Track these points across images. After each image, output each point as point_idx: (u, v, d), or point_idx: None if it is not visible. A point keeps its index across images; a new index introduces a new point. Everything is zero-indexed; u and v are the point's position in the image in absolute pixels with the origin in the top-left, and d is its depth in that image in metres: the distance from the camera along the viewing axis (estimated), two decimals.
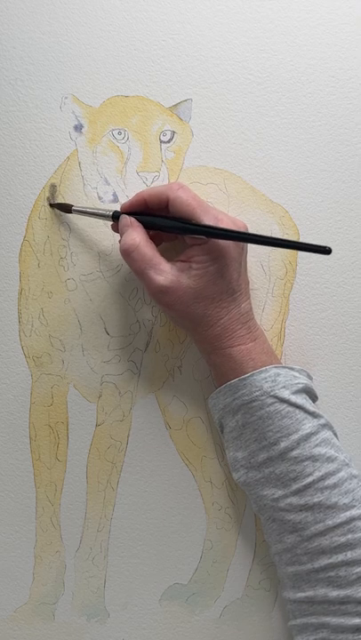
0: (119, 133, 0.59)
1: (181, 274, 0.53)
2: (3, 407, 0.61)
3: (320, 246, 0.49)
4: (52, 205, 0.59)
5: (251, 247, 0.60)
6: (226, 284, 0.54)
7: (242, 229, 0.55)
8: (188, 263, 0.54)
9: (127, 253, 0.54)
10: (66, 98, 0.59)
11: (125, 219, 0.55)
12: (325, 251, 0.49)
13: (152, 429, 0.62)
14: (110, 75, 0.59)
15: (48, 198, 0.60)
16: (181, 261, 0.54)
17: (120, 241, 0.55)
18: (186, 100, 0.60)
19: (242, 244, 0.55)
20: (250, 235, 0.53)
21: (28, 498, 0.62)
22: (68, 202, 0.59)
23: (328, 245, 0.49)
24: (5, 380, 0.61)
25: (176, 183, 0.55)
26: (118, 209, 0.57)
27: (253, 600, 0.63)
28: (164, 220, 0.54)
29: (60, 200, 0.60)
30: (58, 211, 0.60)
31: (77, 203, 0.59)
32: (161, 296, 0.54)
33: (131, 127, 0.59)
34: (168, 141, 0.60)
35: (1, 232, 0.60)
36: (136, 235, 0.54)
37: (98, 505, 0.62)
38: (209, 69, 0.60)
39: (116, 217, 0.56)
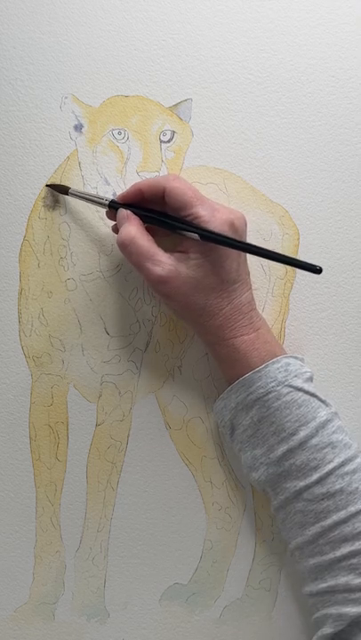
0: (119, 133, 0.59)
1: (180, 264, 0.53)
2: (3, 407, 0.61)
3: (311, 265, 0.49)
4: (49, 186, 0.59)
5: None
6: (225, 273, 0.54)
7: (241, 219, 0.55)
8: (187, 253, 0.54)
9: (124, 246, 0.54)
10: (66, 98, 0.59)
11: (122, 212, 0.55)
12: (316, 270, 0.49)
13: (152, 429, 0.62)
14: (110, 75, 0.59)
15: (49, 186, 0.60)
16: (180, 252, 0.54)
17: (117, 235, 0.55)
18: (186, 100, 0.60)
19: (241, 231, 0.54)
20: (243, 243, 0.53)
21: (28, 498, 0.62)
22: (67, 202, 0.59)
23: (320, 263, 0.50)
24: (5, 380, 0.61)
25: (172, 174, 0.55)
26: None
27: (253, 600, 0.63)
28: (158, 216, 0.55)
29: (59, 202, 0.60)
30: (56, 210, 0.60)
31: (77, 202, 0.59)
32: (160, 287, 0.54)
33: (131, 127, 0.59)
34: (168, 141, 0.60)
35: (1, 232, 0.60)
36: (132, 227, 0.54)
37: (98, 505, 0.62)
38: (209, 69, 0.60)
39: (111, 206, 0.56)
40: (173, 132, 0.60)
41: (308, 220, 0.61)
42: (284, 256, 0.52)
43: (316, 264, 0.60)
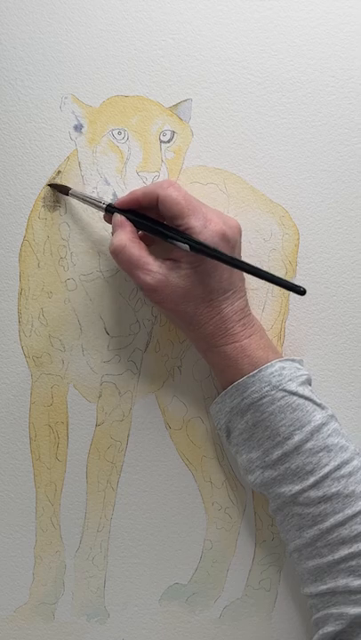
0: (119, 133, 0.59)
1: (170, 272, 0.54)
2: (3, 407, 0.61)
3: (296, 286, 0.50)
4: (50, 185, 0.59)
5: (249, 247, 0.60)
6: (216, 283, 0.54)
7: (234, 229, 0.55)
8: (178, 262, 0.54)
9: (115, 254, 0.54)
10: (66, 98, 0.59)
11: (116, 218, 0.55)
12: (300, 291, 0.49)
13: (152, 429, 0.62)
14: (110, 75, 0.59)
15: (51, 182, 0.60)
16: (171, 260, 0.54)
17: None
18: (186, 100, 0.60)
19: (233, 242, 0.54)
20: (231, 258, 0.52)
21: (28, 498, 0.62)
22: (68, 202, 0.59)
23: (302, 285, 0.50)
24: (5, 380, 0.61)
25: (167, 181, 0.55)
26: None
27: (253, 600, 0.63)
28: (151, 224, 0.55)
29: (59, 202, 0.60)
30: (56, 210, 0.60)
31: (78, 202, 0.59)
32: (151, 294, 0.54)
33: (131, 127, 0.59)
34: (168, 141, 0.60)
35: (1, 232, 0.60)
36: (123, 235, 0.54)
37: (98, 505, 0.62)
38: (209, 69, 0.60)
39: (108, 210, 0.56)
40: (173, 132, 0.60)
41: (308, 220, 0.61)
42: (269, 274, 0.51)
43: (317, 262, 0.61)
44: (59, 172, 0.59)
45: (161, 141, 0.60)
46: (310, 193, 0.61)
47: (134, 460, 0.62)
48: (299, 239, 0.61)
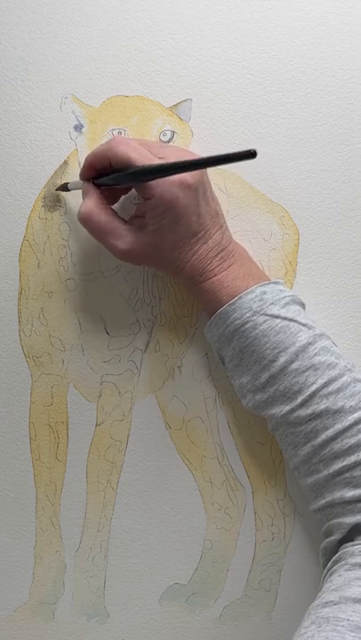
0: (119, 133, 0.59)
1: (139, 233, 0.54)
2: (3, 407, 0.61)
3: (245, 151, 0.45)
4: (57, 190, 0.60)
5: (249, 247, 0.60)
6: (184, 229, 0.54)
7: (196, 174, 0.53)
8: (144, 220, 0.54)
9: (83, 222, 0.55)
10: (66, 98, 0.59)
11: (84, 187, 0.56)
12: (251, 154, 0.44)
13: (152, 429, 0.62)
14: (110, 75, 0.59)
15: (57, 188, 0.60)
16: (137, 218, 0.55)
17: None
18: (186, 100, 0.60)
19: (194, 187, 0.53)
20: (181, 164, 0.50)
21: (28, 498, 0.62)
22: (68, 202, 0.60)
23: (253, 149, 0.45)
24: (5, 380, 0.61)
25: (114, 139, 0.54)
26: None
27: (253, 600, 0.63)
28: (108, 179, 0.54)
29: (60, 202, 0.60)
30: (56, 210, 0.60)
31: (78, 202, 0.59)
32: (126, 258, 0.55)
33: (131, 127, 0.59)
34: (168, 141, 0.60)
35: (1, 232, 0.60)
36: (90, 202, 0.54)
37: (98, 505, 0.62)
38: (209, 69, 0.60)
39: (65, 189, 0.59)
40: (173, 132, 0.60)
41: (308, 220, 0.61)
42: (218, 157, 0.48)
43: (317, 262, 0.61)
44: (65, 162, 0.59)
45: (161, 141, 0.59)
46: (310, 193, 0.61)
47: (134, 460, 0.62)
48: (299, 239, 0.61)
